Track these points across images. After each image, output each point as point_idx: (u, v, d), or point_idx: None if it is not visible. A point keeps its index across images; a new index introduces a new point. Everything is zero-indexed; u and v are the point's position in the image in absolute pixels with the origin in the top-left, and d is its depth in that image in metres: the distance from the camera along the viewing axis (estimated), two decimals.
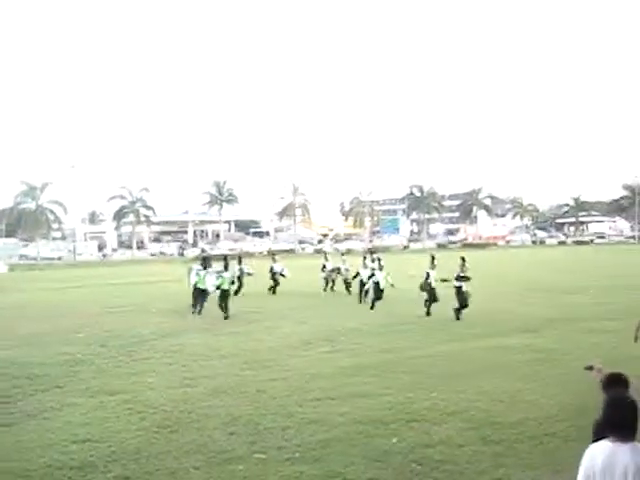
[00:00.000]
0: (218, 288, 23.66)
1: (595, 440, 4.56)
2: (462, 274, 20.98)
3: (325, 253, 33.44)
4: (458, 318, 20.51)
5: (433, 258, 22.72)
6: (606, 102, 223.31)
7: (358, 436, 9.45)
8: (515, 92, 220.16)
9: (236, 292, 28.56)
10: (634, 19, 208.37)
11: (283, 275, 31.11)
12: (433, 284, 21.81)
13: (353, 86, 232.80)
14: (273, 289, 30.77)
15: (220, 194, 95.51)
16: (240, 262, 29.91)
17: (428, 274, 22.10)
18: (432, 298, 21.76)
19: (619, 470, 4.23)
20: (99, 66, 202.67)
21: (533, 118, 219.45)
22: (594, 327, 18.58)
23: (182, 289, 25.87)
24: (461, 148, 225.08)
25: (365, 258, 27.12)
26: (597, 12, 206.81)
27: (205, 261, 25.58)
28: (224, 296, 23.52)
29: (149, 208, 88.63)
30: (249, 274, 29.51)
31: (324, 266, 30.73)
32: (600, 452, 4.36)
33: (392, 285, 24.48)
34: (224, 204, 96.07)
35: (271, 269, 31.15)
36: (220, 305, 23.29)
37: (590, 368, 5.98)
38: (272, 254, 33.23)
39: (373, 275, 24.38)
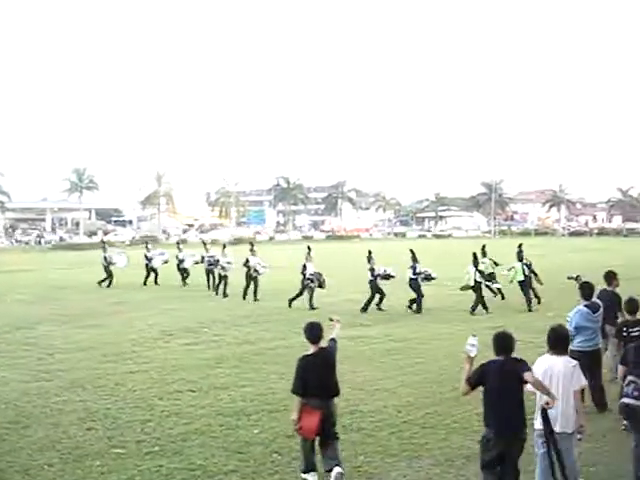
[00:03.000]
0: None
1: None
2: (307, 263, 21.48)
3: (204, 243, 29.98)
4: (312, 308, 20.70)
5: (370, 253, 21.05)
6: (466, 103, 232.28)
7: (219, 428, 9.42)
8: (378, 89, 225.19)
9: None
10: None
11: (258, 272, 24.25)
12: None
13: (220, 74, 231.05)
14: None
15: (80, 181, 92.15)
16: (105, 250, 29.49)
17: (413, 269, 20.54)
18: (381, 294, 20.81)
19: (556, 373, 6.79)
20: None
21: (395, 116, 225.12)
22: (450, 317, 19.30)
23: (39, 279, 24.89)
24: (327, 141, 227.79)
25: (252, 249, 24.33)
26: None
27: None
28: None
29: (4, 193, 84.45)
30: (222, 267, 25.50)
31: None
32: (545, 362, 6.94)
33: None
34: (84, 191, 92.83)
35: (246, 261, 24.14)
36: None
37: (331, 320, 8.29)
38: (251, 244, 25.93)
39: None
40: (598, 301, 10.31)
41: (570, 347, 9.28)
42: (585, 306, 10.15)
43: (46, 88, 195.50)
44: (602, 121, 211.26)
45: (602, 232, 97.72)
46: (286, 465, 8.05)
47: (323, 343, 7.73)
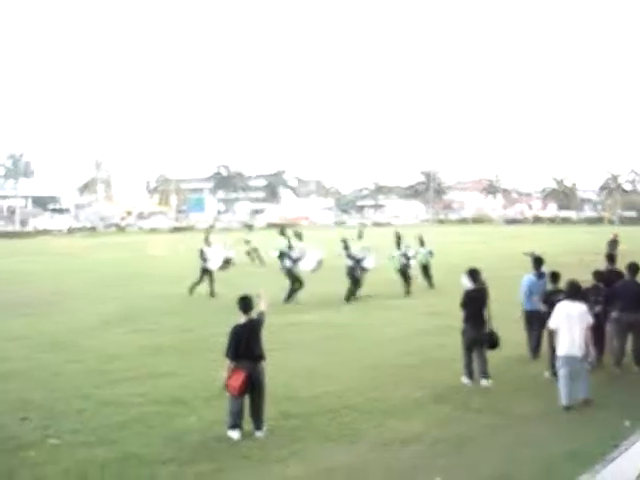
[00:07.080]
0: None
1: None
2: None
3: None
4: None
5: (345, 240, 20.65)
6: (405, 93, 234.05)
7: (157, 416, 9.35)
8: (318, 78, 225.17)
9: None
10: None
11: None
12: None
13: (159, 61, 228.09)
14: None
15: (16, 167, 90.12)
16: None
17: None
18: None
19: (574, 313, 9.41)
20: None
21: (336, 104, 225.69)
22: (386, 304, 19.43)
23: None
24: (267, 128, 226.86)
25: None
26: None
27: None
28: None
29: None
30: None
31: None
32: (565, 306, 9.56)
33: None
34: (20, 178, 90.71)
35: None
36: None
37: (258, 295, 9.10)
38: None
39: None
40: (544, 271, 12.26)
41: (523, 308, 12.16)
42: (534, 275, 12.33)
43: None
44: (537, 113, 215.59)
45: (537, 220, 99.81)
46: (223, 452, 8.03)
47: (253, 314, 8.86)
